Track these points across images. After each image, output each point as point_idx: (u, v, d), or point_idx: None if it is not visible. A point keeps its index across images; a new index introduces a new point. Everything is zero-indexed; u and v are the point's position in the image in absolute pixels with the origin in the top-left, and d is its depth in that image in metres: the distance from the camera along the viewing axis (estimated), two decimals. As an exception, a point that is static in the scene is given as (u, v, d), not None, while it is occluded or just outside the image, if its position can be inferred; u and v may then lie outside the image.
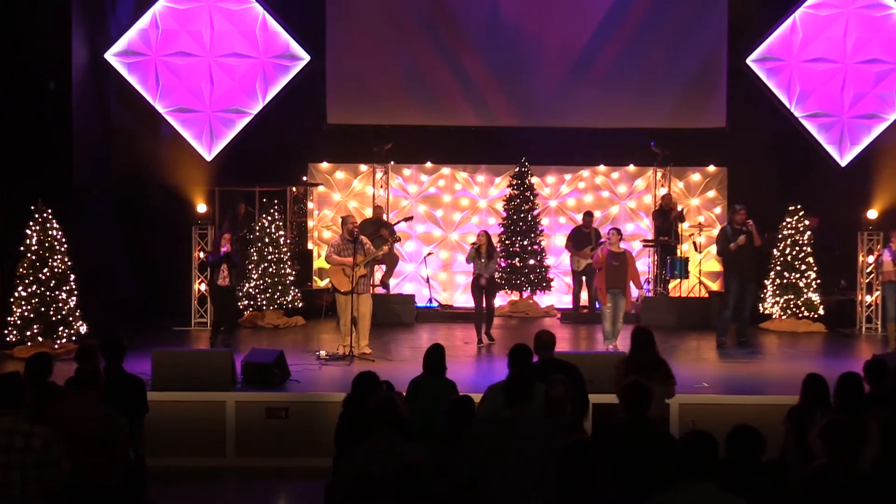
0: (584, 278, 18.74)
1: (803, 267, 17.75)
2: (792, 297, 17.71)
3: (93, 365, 8.02)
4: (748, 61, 19.83)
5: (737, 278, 15.55)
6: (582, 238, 18.80)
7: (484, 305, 15.87)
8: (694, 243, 19.43)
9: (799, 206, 17.94)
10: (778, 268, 17.83)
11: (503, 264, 19.28)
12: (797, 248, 17.77)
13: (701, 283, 19.46)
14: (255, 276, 18.00)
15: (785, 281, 17.76)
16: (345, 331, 14.34)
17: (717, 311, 17.24)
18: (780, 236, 17.93)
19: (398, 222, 18.48)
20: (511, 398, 6.94)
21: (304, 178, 20.97)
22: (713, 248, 20.10)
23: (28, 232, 14.77)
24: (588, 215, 19.16)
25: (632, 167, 21.14)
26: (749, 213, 15.67)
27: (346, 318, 14.29)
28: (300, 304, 18.36)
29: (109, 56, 19.12)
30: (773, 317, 17.85)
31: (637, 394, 6.88)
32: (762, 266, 17.34)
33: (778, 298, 17.78)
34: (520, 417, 6.83)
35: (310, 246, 20.85)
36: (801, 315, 17.73)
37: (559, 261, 20.57)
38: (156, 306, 18.40)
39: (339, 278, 14.42)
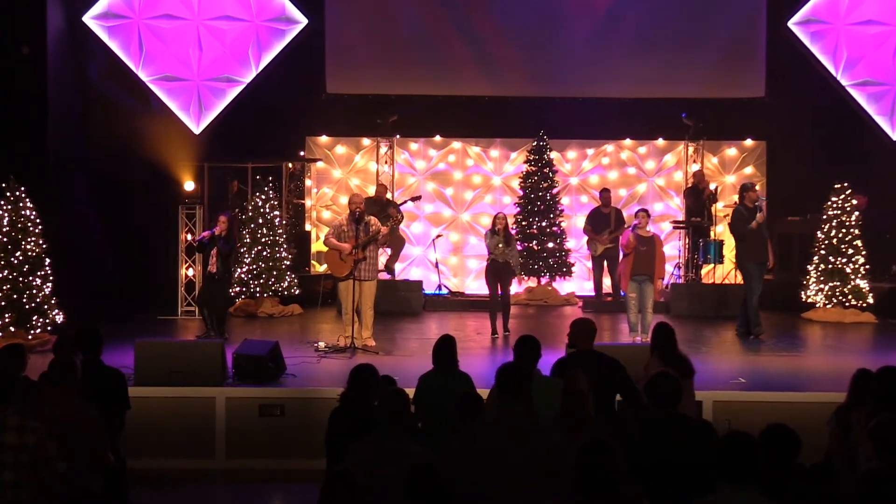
0: (605, 263, 18.66)
1: (850, 251, 17.62)
2: (838, 284, 17.58)
3: (68, 357, 7.96)
4: (790, 24, 19.71)
5: (756, 261, 15.52)
6: (601, 219, 18.70)
7: (499, 293, 15.79)
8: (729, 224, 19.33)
9: (845, 184, 17.79)
10: (822, 252, 17.70)
11: (519, 247, 19.21)
12: (843, 231, 17.63)
13: (736, 268, 19.34)
14: (248, 261, 17.95)
15: (830, 266, 17.63)
16: (346, 320, 14.29)
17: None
18: (824, 217, 17.80)
19: (404, 202, 18.42)
20: (502, 393, 6.87)
21: (302, 153, 20.92)
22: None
23: (-2, 212, 14.73)
24: (605, 193, 19.07)
25: (661, 141, 21.06)
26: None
27: (348, 306, 14.24)
28: (297, 291, 18.32)
29: (88, 19, 19.08)
30: (818, 306, 17.75)
31: (665, 386, 6.83)
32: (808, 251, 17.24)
33: (822, 286, 17.66)
34: (512, 414, 6.73)
35: (307, 227, 20.82)
36: (847, 304, 17.61)
37: (580, 244, 20.50)
38: (139, 293, 18.38)
39: (334, 263, 14.37)
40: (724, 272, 19.27)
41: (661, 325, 9.42)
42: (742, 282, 15.88)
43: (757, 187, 15.97)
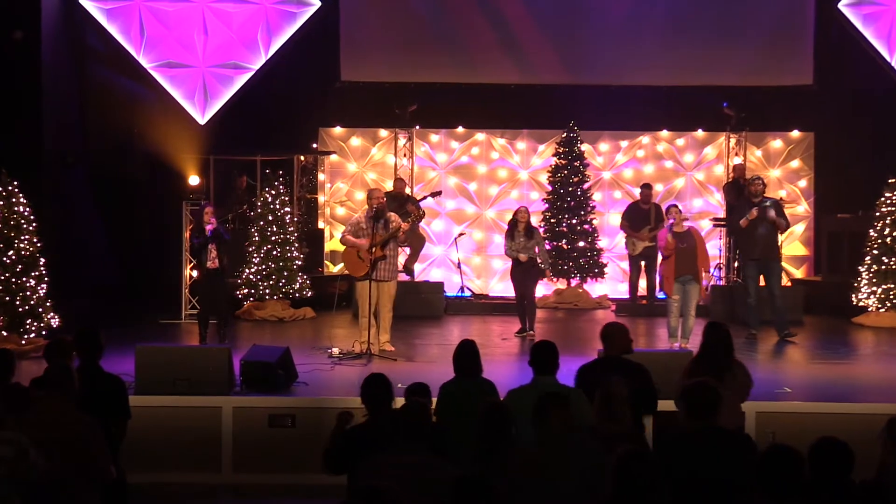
0: (642, 263, 18.61)
1: (905, 251, 17.56)
2: (892, 286, 17.49)
3: (64, 363, 7.98)
4: (840, 6, 19.61)
5: (749, 258, 15.64)
6: (639, 215, 18.66)
7: (523, 291, 15.87)
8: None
9: (900, 179, 17.74)
10: (875, 252, 17.59)
11: (548, 247, 19.19)
12: (898, 229, 17.57)
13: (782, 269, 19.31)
14: (257, 261, 17.99)
15: (883, 268, 17.52)
16: (363, 324, 14.30)
17: (800, 304, 17.19)
18: (877, 214, 17.70)
19: (424, 198, 18.40)
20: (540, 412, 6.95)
21: (314, 146, 20.95)
22: (797, 228, 20.04)
23: (-10, 208, 14.79)
24: (646, 188, 19.01)
25: (700, 132, 21.02)
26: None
27: (365, 308, 14.25)
28: (309, 293, 18.34)
29: (85, 1, 19.12)
30: (870, 310, 17.65)
31: (701, 397, 6.82)
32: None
33: (875, 288, 17.56)
34: (551, 431, 6.82)
35: (321, 224, 20.86)
36: (902, 308, 17.56)
37: (613, 243, 20.48)
38: (140, 295, 18.44)
39: (352, 262, 14.38)
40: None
41: (716, 325, 9.24)
42: (776, 282, 15.88)
43: (752, 180, 15.91)
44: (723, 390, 7.16)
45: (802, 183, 20.80)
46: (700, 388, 6.88)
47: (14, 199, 14.78)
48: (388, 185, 19.74)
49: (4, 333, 14.50)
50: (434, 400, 8.41)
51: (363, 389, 7.74)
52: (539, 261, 15.84)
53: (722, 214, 19.99)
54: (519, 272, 15.83)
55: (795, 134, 20.88)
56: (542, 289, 18.75)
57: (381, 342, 14.28)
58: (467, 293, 19.79)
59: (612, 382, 7.43)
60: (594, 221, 19.90)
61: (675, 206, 14.62)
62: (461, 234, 20.22)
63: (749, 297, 15.86)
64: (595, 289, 20.02)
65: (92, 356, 8.57)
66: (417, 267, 19.76)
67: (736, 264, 18.82)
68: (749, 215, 15.36)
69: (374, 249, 14.05)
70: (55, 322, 14.87)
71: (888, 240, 17.51)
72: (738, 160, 20.13)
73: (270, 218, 18.06)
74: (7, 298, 14.59)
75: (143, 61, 19.35)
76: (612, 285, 20.36)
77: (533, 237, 15.76)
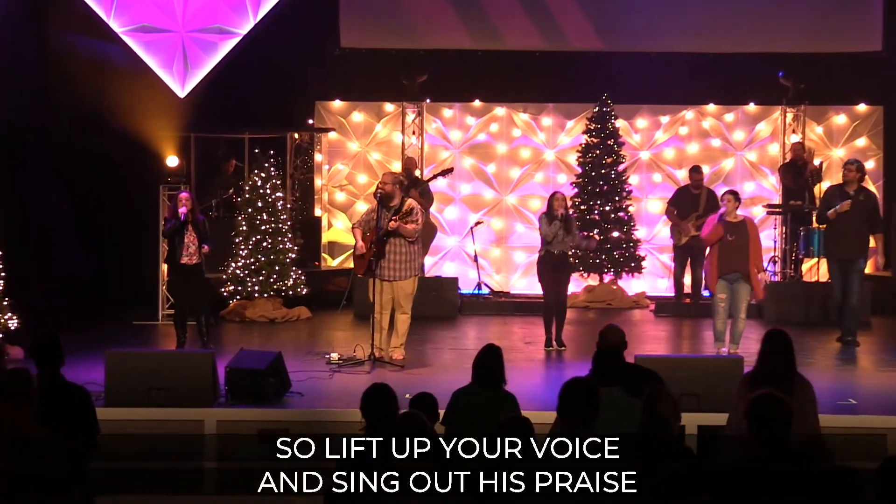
0: (689, 257, 18.48)
1: None
2: (971, 282, 17.49)
3: (24, 368, 7.92)
4: (913, -40, 19.58)
5: (836, 256, 15.52)
6: (689, 201, 18.47)
7: (556, 293, 15.67)
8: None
9: (981, 160, 17.69)
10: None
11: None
12: (978, 217, 17.53)
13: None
14: (245, 254, 17.95)
15: (961, 261, 17.53)
16: (375, 325, 14.16)
17: (867, 303, 17.15)
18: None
19: (433, 178, 18.31)
20: (566, 416, 6.90)
21: (311, 122, 20.94)
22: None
23: (-60, 193, 14.79)
24: (696, 171, 18.83)
25: (752, 106, 20.96)
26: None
27: (376, 307, 14.13)
28: (304, 291, 18.32)
29: (48, -44, 19.13)
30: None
31: (770, 410, 6.70)
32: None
33: (950, 285, 17.57)
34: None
35: (317, 212, 20.82)
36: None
37: (652, 233, 20.43)
38: (111, 292, 18.43)
39: (356, 256, 14.39)
40: (831, 268, 19.14)
41: (775, 333, 9.06)
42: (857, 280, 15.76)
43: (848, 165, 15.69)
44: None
45: (870, 164, 20.68)
46: (766, 400, 6.72)
47: (-33, 183, 14.78)
48: (395, 167, 19.70)
49: (-45, 336, 14.50)
50: (441, 413, 8.41)
51: (363, 401, 7.69)
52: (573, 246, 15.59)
53: (777, 200, 19.91)
54: (549, 270, 15.31)
55: (862, 108, 20.82)
56: (572, 286, 18.71)
57: (390, 347, 14.12)
58: (485, 290, 19.75)
59: (659, 398, 7.38)
60: (630, 208, 19.83)
61: (732, 193, 14.40)
62: (478, 224, 20.17)
63: (835, 295, 15.71)
64: (631, 285, 19.96)
65: (51, 363, 8.50)
66: (429, 260, 19.73)
67: (794, 257, 18.75)
68: (839, 207, 15.15)
69: (371, 247, 13.94)
70: (13, 323, 14.85)
71: (966, 230, 17.48)
72: (795, 138, 20.06)
73: (260, 204, 18.01)
74: (-42, 296, 14.61)
75: (114, 25, 19.28)
76: (650, 281, 20.31)
77: (570, 231, 15.32)
